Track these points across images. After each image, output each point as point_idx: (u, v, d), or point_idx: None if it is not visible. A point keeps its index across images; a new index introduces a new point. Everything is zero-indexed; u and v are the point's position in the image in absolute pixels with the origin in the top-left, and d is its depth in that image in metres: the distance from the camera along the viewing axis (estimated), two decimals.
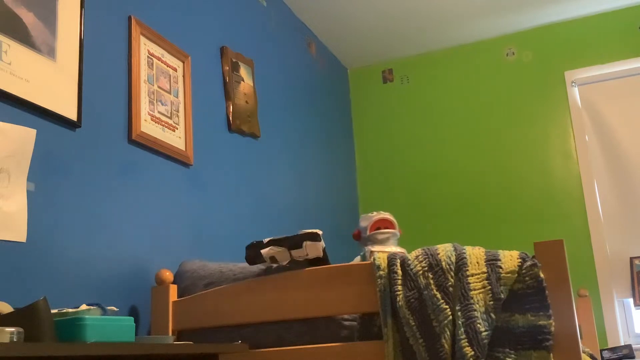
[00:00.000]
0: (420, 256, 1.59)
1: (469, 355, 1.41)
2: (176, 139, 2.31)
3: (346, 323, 1.70)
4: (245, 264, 1.92)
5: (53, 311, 1.36)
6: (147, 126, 2.15)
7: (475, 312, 1.45)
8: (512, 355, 1.44)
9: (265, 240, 1.79)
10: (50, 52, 1.78)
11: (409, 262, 1.59)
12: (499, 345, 1.45)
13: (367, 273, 1.64)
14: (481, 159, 3.96)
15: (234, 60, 2.83)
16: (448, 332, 1.46)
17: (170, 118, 2.29)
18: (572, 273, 1.73)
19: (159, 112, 2.23)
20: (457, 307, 1.48)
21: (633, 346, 3.04)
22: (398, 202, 4.09)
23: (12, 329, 1.05)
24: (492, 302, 1.46)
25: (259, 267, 1.86)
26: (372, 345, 1.60)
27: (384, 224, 2.07)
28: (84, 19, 1.93)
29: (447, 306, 1.49)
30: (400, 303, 1.54)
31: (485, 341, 1.42)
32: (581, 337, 2.09)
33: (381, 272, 1.60)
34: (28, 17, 1.72)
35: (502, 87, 4.01)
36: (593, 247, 3.60)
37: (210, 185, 2.52)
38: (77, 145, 1.85)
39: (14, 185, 1.58)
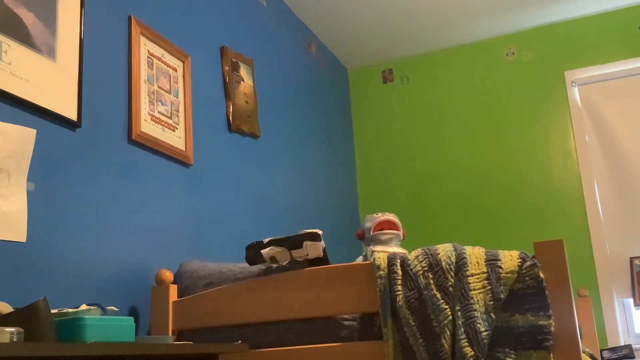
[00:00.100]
0: (420, 256, 1.59)
1: (469, 355, 1.41)
2: (176, 139, 2.31)
3: (346, 323, 1.70)
4: (245, 264, 1.92)
5: (53, 311, 1.36)
6: (147, 126, 2.15)
7: (475, 312, 1.45)
8: (512, 355, 1.44)
9: (266, 240, 1.79)
10: (50, 52, 1.78)
11: (409, 262, 1.59)
12: (499, 345, 1.46)
13: (367, 273, 1.64)
14: (481, 159, 3.96)
15: (234, 60, 2.83)
16: (448, 332, 1.46)
17: (170, 118, 2.29)
18: (572, 273, 1.73)
19: (159, 112, 2.23)
20: (457, 307, 1.48)
21: (633, 346, 3.04)
22: (398, 202, 4.09)
23: (12, 329, 1.05)
24: (492, 302, 1.46)
25: (259, 267, 1.86)
26: (372, 345, 1.60)
27: (388, 225, 2.08)
28: (84, 19, 1.93)
29: (447, 306, 1.49)
30: (400, 303, 1.54)
31: (485, 341, 1.42)
32: (581, 337, 2.09)
33: (381, 272, 1.60)
34: (28, 17, 1.72)
35: (502, 87, 4.01)
36: (593, 247, 3.60)
37: (210, 185, 2.52)
38: (77, 145, 1.85)
39: (14, 185, 1.58)
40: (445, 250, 1.59)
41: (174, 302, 1.90)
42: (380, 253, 1.67)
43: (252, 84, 2.95)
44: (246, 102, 2.87)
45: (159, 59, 2.28)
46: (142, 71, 2.18)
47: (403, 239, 2.16)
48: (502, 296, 1.46)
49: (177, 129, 2.32)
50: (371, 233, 2.08)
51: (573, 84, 3.83)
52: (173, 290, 1.93)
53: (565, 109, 3.83)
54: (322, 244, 1.73)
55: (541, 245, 1.51)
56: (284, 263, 1.78)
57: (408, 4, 3.64)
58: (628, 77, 3.75)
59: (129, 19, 2.17)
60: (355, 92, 4.39)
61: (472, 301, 1.46)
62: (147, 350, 1.29)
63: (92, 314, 1.36)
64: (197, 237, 2.37)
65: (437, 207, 4.00)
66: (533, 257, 1.51)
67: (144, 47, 2.22)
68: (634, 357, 2.92)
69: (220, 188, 2.60)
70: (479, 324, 1.43)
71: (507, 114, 3.96)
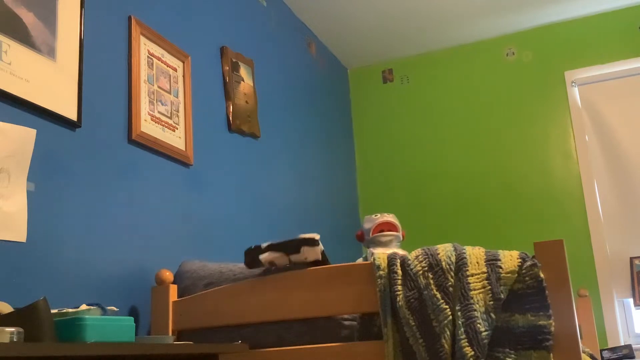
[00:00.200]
0: (420, 256, 1.59)
1: (469, 355, 1.41)
2: (176, 139, 2.31)
3: (346, 323, 1.70)
4: None
5: (53, 311, 1.36)
6: (147, 126, 2.15)
7: (475, 312, 1.45)
8: (512, 355, 1.44)
9: (264, 245, 1.78)
10: (50, 52, 1.78)
11: (409, 262, 1.59)
12: (499, 345, 1.46)
13: (367, 273, 1.64)
14: (481, 159, 3.96)
15: (234, 60, 2.83)
16: (448, 332, 1.47)
17: (170, 118, 2.29)
18: (572, 273, 1.73)
19: (159, 112, 2.23)
20: (457, 307, 1.48)
21: (633, 346, 3.04)
22: (398, 202, 4.09)
23: (12, 329, 1.05)
24: (492, 302, 1.46)
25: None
26: (372, 345, 1.60)
27: (387, 226, 2.08)
28: (84, 19, 1.93)
29: (447, 306, 1.49)
30: (400, 303, 1.54)
31: (485, 341, 1.42)
32: (581, 337, 2.09)
33: (381, 272, 1.60)
34: (28, 17, 1.72)
35: (502, 87, 4.01)
36: (593, 247, 3.60)
37: (210, 185, 2.52)
38: (77, 145, 1.85)
39: (14, 185, 1.58)
40: (445, 250, 1.59)
41: (174, 302, 1.90)
42: (381, 253, 1.67)
43: (252, 84, 2.95)
44: (246, 102, 2.87)
45: (159, 59, 2.28)
46: (142, 71, 2.18)
47: (403, 239, 2.16)
48: (502, 296, 1.46)
49: (177, 129, 2.32)
50: (371, 235, 2.08)
51: (573, 84, 3.83)
52: (173, 290, 1.93)
53: (565, 109, 3.83)
54: (320, 247, 1.72)
55: (541, 245, 1.51)
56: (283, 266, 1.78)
57: (408, 4, 3.64)
58: (628, 77, 3.75)
59: (129, 19, 2.17)
60: (355, 92, 4.39)
61: (472, 301, 1.46)
62: (147, 350, 1.29)
63: (92, 314, 1.36)
64: (197, 237, 2.37)
65: (437, 207, 4.00)
66: (533, 257, 1.51)
67: (144, 47, 2.22)
68: (634, 357, 2.92)
69: (220, 188, 2.60)
70: (479, 324, 1.43)
71: (507, 114, 3.96)
